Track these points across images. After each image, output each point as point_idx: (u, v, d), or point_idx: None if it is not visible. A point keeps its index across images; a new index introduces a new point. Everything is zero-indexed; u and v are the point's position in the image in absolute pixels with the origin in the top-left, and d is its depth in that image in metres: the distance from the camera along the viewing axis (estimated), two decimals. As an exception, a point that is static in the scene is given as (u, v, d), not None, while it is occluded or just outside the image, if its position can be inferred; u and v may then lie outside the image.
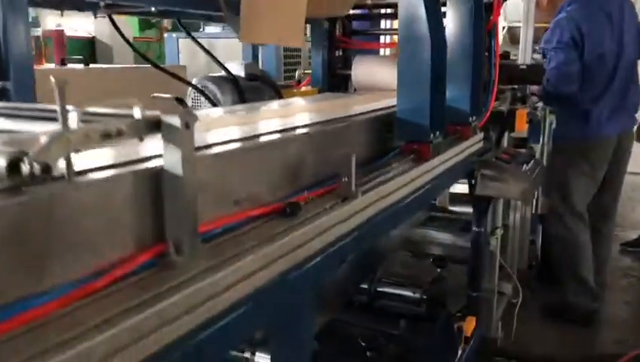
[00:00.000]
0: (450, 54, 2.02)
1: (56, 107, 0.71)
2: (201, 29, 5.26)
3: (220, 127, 1.22)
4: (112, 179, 0.80)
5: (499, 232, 2.69)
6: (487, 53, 2.35)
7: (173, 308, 0.74)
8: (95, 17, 1.93)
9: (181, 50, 4.95)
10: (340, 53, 2.66)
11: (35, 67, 2.65)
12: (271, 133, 1.22)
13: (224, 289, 0.83)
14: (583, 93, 3.11)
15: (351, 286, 2.21)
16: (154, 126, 0.82)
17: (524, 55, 3.05)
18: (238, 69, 2.30)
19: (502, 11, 4.65)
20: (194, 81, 2.15)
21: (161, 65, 2.58)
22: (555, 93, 3.08)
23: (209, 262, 0.85)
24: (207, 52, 2.27)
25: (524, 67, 2.85)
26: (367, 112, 1.67)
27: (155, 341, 0.71)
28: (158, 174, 0.84)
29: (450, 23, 2.06)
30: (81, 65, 2.94)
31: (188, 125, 0.82)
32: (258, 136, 1.17)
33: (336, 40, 2.59)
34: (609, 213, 3.50)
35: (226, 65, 2.24)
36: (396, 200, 1.45)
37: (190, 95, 2.16)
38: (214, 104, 2.11)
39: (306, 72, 2.74)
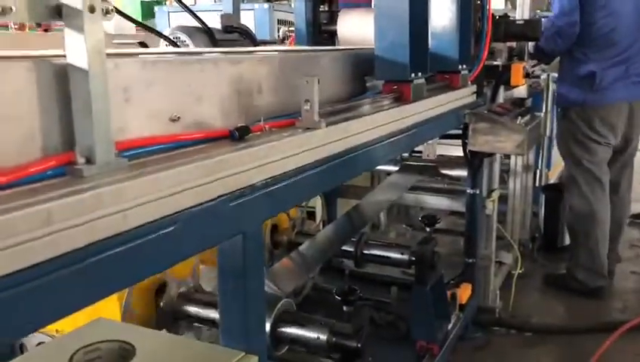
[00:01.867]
0: (436, 6, 1.90)
1: None
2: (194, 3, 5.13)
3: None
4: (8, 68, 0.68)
5: (495, 195, 2.56)
6: (479, 2, 2.22)
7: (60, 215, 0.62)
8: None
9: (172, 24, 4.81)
10: (325, 8, 2.52)
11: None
12: (221, 52, 1.09)
13: (134, 205, 0.71)
14: (586, 54, 2.95)
15: (337, 247, 2.09)
16: (54, 11, 0.70)
17: (522, 10, 2.90)
18: (213, 19, 2.18)
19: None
20: (166, 32, 2.03)
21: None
22: (544, 49, 2.91)
23: (124, 174, 0.73)
24: (190, 10, 2.14)
25: (522, 22, 2.68)
26: (343, 49, 1.54)
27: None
28: (64, 71, 0.72)
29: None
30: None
31: (93, 9, 0.70)
32: (204, 52, 1.04)
33: (320, -5, 2.46)
34: (619, 181, 3.33)
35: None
36: (370, 140, 1.33)
37: (163, 47, 2.04)
38: (187, 56, 1.98)
39: (290, 29, 2.61)
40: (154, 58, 0.91)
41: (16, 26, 3.47)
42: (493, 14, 2.42)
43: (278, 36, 2.89)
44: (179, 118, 0.92)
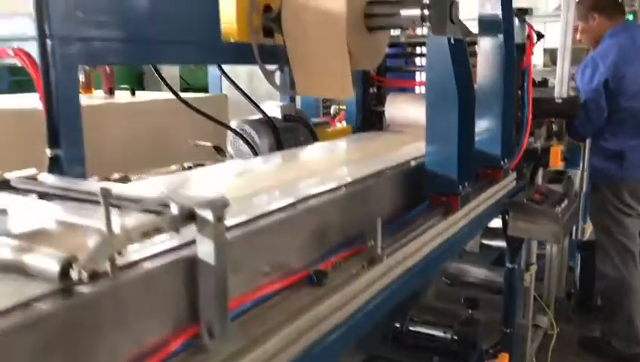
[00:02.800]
0: (481, 97, 2.06)
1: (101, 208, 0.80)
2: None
3: (249, 193, 1.30)
4: (152, 272, 0.87)
5: (533, 269, 2.69)
6: (520, 92, 2.37)
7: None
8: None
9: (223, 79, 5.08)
10: (375, 91, 2.71)
11: (84, 96, 2.80)
12: (299, 201, 1.27)
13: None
14: (615, 134, 3.07)
15: (384, 321, 2.25)
16: (189, 218, 0.90)
17: (560, 87, 3.03)
18: (275, 109, 2.38)
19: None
20: (233, 125, 2.24)
21: (203, 95, 2.70)
22: (576, 131, 3.06)
23: (238, 343, 0.92)
24: (244, 94, 2.35)
25: (560, 101, 2.83)
26: (396, 166, 1.72)
27: None
28: (193, 261, 0.91)
29: (481, 66, 2.09)
30: (128, 94, 3.08)
31: (220, 218, 0.89)
32: (286, 207, 1.22)
33: (370, 78, 2.65)
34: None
35: (263, 107, 2.32)
36: (422, 258, 1.49)
37: (229, 138, 2.25)
38: (252, 146, 2.19)
39: (341, 107, 2.81)
40: (256, 228, 1.09)
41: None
42: (533, 98, 2.57)
43: (330, 113, 3.08)
44: (270, 271, 1.11)
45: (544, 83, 3.61)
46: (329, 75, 1.74)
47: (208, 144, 2.03)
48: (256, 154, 2.18)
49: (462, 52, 1.69)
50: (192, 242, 0.91)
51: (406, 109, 2.59)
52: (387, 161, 1.75)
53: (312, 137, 2.38)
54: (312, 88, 1.80)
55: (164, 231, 0.86)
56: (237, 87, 2.33)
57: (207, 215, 0.89)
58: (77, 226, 0.92)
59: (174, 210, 0.89)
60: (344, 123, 2.67)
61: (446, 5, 1.61)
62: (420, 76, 2.87)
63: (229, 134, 2.24)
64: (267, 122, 2.26)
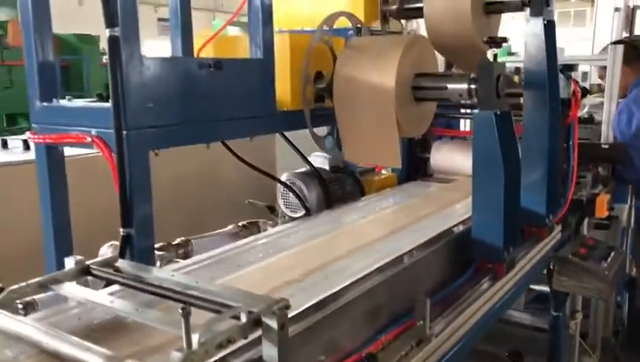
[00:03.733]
0: (526, 153, 2.09)
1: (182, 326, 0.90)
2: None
3: (303, 275, 1.38)
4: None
5: (579, 316, 2.69)
6: (565, 145, 2.39)
7: None
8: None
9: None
10: (419, 137, 2.77)
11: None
12: (353, 284, 1.34)
13: None
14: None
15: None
16: (256, 324, 0.99)
17: (606, 133, 3.02)
18: (322, 161, 2.47)
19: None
20: (283, 178, 2.35)
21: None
22: (622, 176, 3.05)
23: None
24: (294, 147, 2.45)
25: (606, 146, 2.83)
26: (444, 234, 1.78)
27: None
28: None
29: (526, 121, 2.12)
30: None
31: (283, 326, 0.98)
32: (340, 292, 1.30)
33: (415, 126, 2.71)
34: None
35: (311, 159, 2.42)
36: (469, 329, 1.55)
37: (280, 190, 2.35)
38: (301, 199, 2.28)
39: (386, 153, 2.87)
40: (315, 319, 1.18)
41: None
42: (579, 143, 2.59)
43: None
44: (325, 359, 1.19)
45: (590, 120, 3.60)
46: (378, 143, 1.82)
47: (261, 204, 2.13)
48: (305, 206, 2.28)
49: (508, 124, 1.75)
50: (258, 340, 1.01)
51: (452, 158, 2.65)
52: (435, 227, 1.82)
53: (359, 187, 2.46)
54: (360, 155, 1.88)
55: (236, 341, 0.96)
56: (287, 140, 2.44)
57: (272, 323, 0.98)
58: (152, 327, 1.03)
59: (243, 317, 0.98)
60: (390, 169, 2.74)
61: (493, 80, 1.67)
62: (465, 125, 2.91)
63: (279, 188, 2.34)
64: (315, 174, 2.35)
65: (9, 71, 9.71)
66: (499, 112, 1.70)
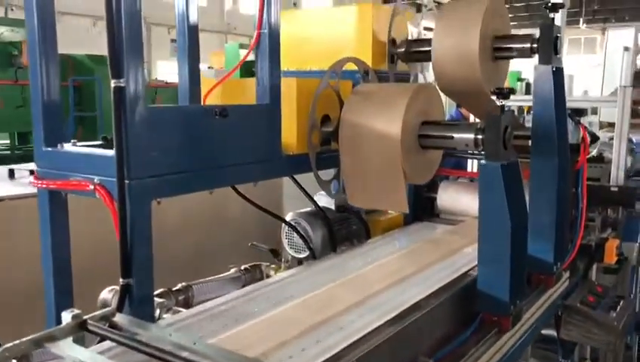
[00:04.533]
0: (535, 199, 2.06)
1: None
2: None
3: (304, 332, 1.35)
4: None
5: (587, 364, 2.63)
6: (574, 191, 2.36)
7: None
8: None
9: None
10: (426, 176, 2.75)
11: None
12: (353, 345, 1.31)
13: None
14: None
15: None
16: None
17: (616, 175, 2.99)
18: (328, 200, 2.45)
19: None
20: (288, 217, 2.33)
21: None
22: None
23: None
24: (300, 186, 2.44)
25: (616, 189, 2.80)
26: (450, 284, 1.75)
27: None
28: None
29: (534, 168, 2.09)
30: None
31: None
32: (340, 355, 1.27)
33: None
34: None
35: (317, 198, 2.40)
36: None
37: (284, 230, 2.33)
38: (305, 239, 2.26)
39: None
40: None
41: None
42: (588, 185, 2.56)
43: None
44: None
45: (600, 158, 3.56)
46: (384, 189, 1.80)
47: (264, 247, 2.11)
48: (309, 246, 2.26)
49: (515, 174, 1.73)
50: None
51: (458, 199, 2.63)
52: (440, 277, 1.79)
53: (364, 227, 2.43)
54: (366, 201, 1.86)
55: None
56: (293, 179, 2.42)
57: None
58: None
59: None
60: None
61: (500, 131, 1.66)
62: (472, 165, 2.90)
63: (284, 228, 2.32)
64: (320, 214, 2.33)
65: (22, 90, 9.82)
66: (506, 163, 1.68)
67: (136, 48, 1.39)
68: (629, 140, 3.75)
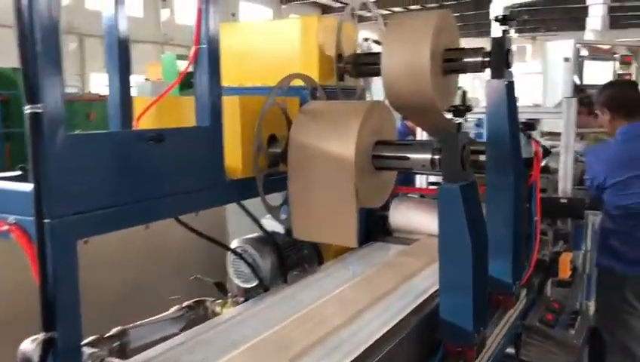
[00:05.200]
0: (491, 219, 1.99)
1: None
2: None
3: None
4: None
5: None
6: (528, 205, 2.32)
7: None
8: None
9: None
10: (378, 193, 2.65)
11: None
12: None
13: None
14: (619, 226, 3.04)
15: None
16: None
17: (564, 186, 2.99)
18: (276, 224, 2.31)
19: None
20: (233, 244, 2.17)
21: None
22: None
23: None
24: (245, 209, 2.28)
25: (565, 201, 2.79)
26: (408, 317, 1.65)
27: None
28: None
29: (489, 182, 2.02)
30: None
31: None
32: None
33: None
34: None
35: (265, 221, 2.25)
36: None
37: (230, 259, 2.17)
38: (253, 268, 2.11)
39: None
40: None
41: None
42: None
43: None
44: None
45: (545, 169, 3.58)
46: (332, 219, 1.67)
47: (209, 280, 1.94)
48: (257, 276, 2.11)
49: (473, 194, 1.64)
50: None
51: (411, 217, 2.54)
52: (399, 308, 1.69)
53: (316, 251, 2.30)
54: (311, 232, 1.73)
55: None
56: (239, 203, 2.27)
57: None
58: None
59: None
60: (347, 229, 2.60)
61: (457, 152, 1.57)
62: (427, 179, 2.82)
63: (229, 256, 2.16)
64: (269, 240, 2.19)
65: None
66: (465, 184, 1.59)
67: (54, 67, 1.20)
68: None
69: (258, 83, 2.20)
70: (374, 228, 2.62)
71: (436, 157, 1.63)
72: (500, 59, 1.93)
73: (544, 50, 4.69)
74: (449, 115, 1.85)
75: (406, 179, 2.83)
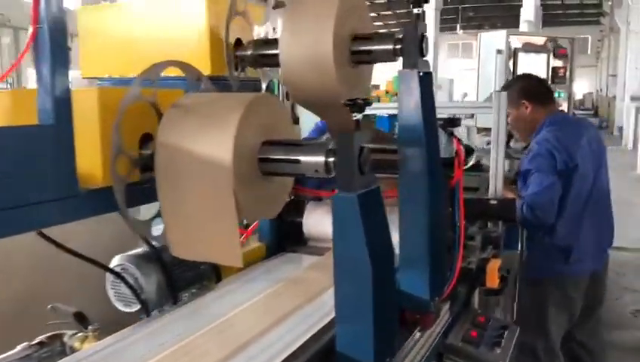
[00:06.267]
0: (404, 227, 1.77)
1: None
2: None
3: None
4: None
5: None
6: (450, 209, 2.10)
7: None
8: None
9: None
10: (292, 198, 2.39)
11: None
12: None
13: None
14: (561, 225, 2.89)
15: None
16: None
17: (495, 186, 2.80)
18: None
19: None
20: (113, 263, 1.87)
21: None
22: (535, 222, 2.84)
23: None
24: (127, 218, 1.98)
25: (495, 202, 2.60)
26: (304, 348, 1.39)
27: None
28: None
29: (402, 188, 1.78)
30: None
31: None
32: None
33: (285, 186, 2.32)
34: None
35: (155, 231, 1.95)
36: None
37: (109, 279, 1.87)
38: (135, 290, 1.81)
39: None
40: None
41: None
42: (465, 199, 2.34)
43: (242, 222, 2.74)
44: None
45: (478, 166, 3.41)
46: (211, 236, 1.40)
47: (68, 309, 1.63)
48: (140, 298, 1.81)
49: (375, 204, 1.40)
50: None
51: (326, 223, 2.28)
52: (297, 335, 1.44)
53: (214, 269, 2.02)
54: (190, 250, 1.46)
55: None
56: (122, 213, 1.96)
57: None
58: None
59: None
60: (256, 239, 2.33)
61: (353, 155, 1.32)
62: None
63: (108, 277, 1.86)
64: (154, 255, 1.89)
65: None
66: (363, 192, 1.34)
67: None
68: (508, 145, 3.65)
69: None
70: (286, 237, 2.36)
71: (331, 159, 1.37)
72: (412, 46, 1.69)
73: (478, 42, 4.53)
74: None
75: (325, 182, 2.57)
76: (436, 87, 16.35)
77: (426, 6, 1.79)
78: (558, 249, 2.95)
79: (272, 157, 1.43)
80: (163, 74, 1.72)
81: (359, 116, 1.41)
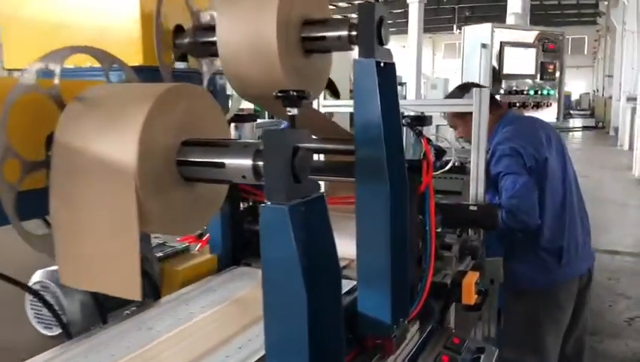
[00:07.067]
0: (362, 241, 1.54)
1: None
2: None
3: None
4: None
5: None
6: (420, 218, 1.88)
7: None
8: None
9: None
10: (250, 204, 2.17)
11: None
12: None
13: None
14: (547, 226, 2.67)
15: None
16: None
17: (475, 191, 2.58)
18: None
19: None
20: (34, 279, 1.64)
21: None
22: (521, 227, 2.63)
23: None
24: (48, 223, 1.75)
25: (475, 208, 2.38)
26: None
27: None
28: None
29: (361, 198, 1.55)
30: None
31: None
32: None
33: (239, 190, 2.10)
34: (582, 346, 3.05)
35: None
36: None
37: (28, 299, 1.64)
38: (55, 311, 1.59)
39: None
40: None
41: None
42: (442, 205, 2.12)
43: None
44: None
45: (461, 169, 3.18)
46: (107, 259, 1.16)
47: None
48: (61, 322, 1.59)
49: (313, 218, 1.17)
50: None
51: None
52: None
53: (153, 286, 1.79)
54: (82, 278, 1.22)
55: None
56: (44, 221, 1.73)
57: None
58: None
59: None
60: (208, 250, 2.10)
61: (285, 158, 1.09)
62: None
63: (27, 297, 1.63)
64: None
65: None
66: (297, 203, 1.11)
67: None
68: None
69: (85, 64, 1.66)
70: (242, 247, 2.12)
71: (259, 163, 1.14)
72: (368, 33, 1.47)
73: (462, 35, 4.29)
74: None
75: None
76: (431, 86, 16.12)
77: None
78: (548, 253, 2.74)
79: (191, 159, 1.20)
80: (90, 64, 1.51)
81: (294, 111, 1.18)
